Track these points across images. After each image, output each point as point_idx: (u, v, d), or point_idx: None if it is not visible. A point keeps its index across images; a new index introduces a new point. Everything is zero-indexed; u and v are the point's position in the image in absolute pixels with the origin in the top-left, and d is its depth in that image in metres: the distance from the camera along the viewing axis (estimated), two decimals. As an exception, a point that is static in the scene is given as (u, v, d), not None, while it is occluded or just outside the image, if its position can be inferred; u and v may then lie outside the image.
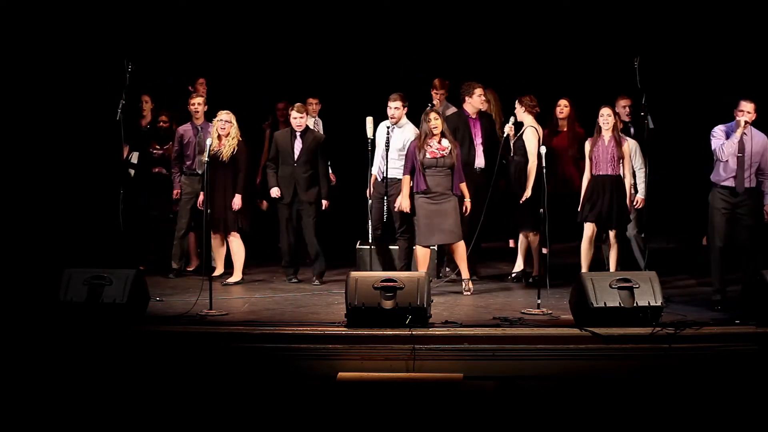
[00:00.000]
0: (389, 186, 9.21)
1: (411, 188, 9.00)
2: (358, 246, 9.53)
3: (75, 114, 10.47)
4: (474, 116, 9.58)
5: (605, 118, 8.97)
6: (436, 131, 8.89)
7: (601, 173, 8.99)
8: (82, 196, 10.36)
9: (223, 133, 9.52)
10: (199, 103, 9.99)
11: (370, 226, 8.91)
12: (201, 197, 9.58)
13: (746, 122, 8.35)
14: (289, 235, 9.67)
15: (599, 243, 9.41)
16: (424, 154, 8.91)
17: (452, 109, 9.96)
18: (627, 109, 9.72)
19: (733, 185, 8.41)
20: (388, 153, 9.14)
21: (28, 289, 8.45)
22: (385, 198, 9.23)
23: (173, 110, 10.35)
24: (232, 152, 9.49)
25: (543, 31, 11.33)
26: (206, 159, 8.58)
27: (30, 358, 7.17)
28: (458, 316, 7.89)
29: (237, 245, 9.66)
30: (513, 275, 9.73)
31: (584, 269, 8.98)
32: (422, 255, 9.00)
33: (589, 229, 9.05)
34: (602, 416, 6.82)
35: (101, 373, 7.08)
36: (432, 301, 7.69)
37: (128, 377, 7.06)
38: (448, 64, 11.06)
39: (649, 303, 7.41)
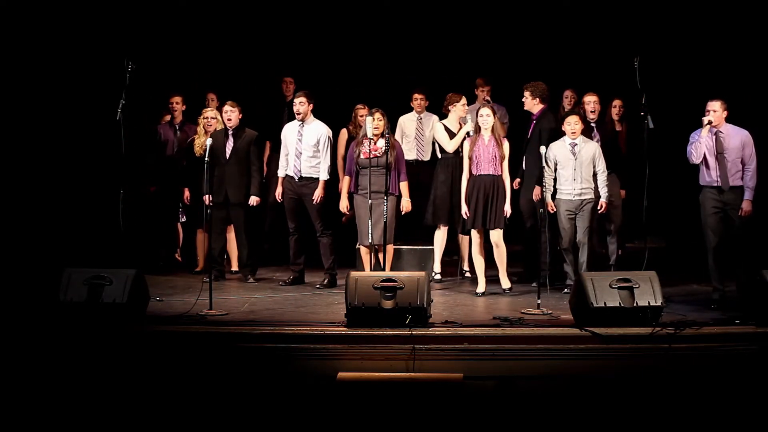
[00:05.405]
0: (304, 184, 9.30)
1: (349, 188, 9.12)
2: (358, 246, 9.52)
3: (75, 114, 10.47)
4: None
5: (484, 118, 8.94)
6: (376, 132, 8.89)
7: (482, 173, 8.94)
8: (82, 196, 10.36)
9: (210, 130, 9.72)
10: (177, 102, 10.12)
11: (370, 226, 8.89)
12: (186, 193, 10.00)
13: (709, 122, 8.37)
14: (219, 238, 9.63)
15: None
16: (359, 155, 8.99)
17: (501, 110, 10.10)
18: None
19: (720, 184, 8.42)
20: (302, 151, 9.27)
21: (28, 289, 8.45)
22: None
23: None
24: None
25: (542, 30, 11.33)
26: (207, 158, 8.58)
27: (30, 358, 7.17)
28: (458, 316, 7.89)
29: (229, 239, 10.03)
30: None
31: (481, 278, 8.94)
32: (364, 254, 9.11)
33: (477, 236, 8.98)
34: (602, 416, 6.83)
35: (101, 373, 7.08)
36: (432, 301, 7.70)
37: (128, 377, 7.06)
38: (447, 65, 11.07)
39: (649, 303, 7.41)
